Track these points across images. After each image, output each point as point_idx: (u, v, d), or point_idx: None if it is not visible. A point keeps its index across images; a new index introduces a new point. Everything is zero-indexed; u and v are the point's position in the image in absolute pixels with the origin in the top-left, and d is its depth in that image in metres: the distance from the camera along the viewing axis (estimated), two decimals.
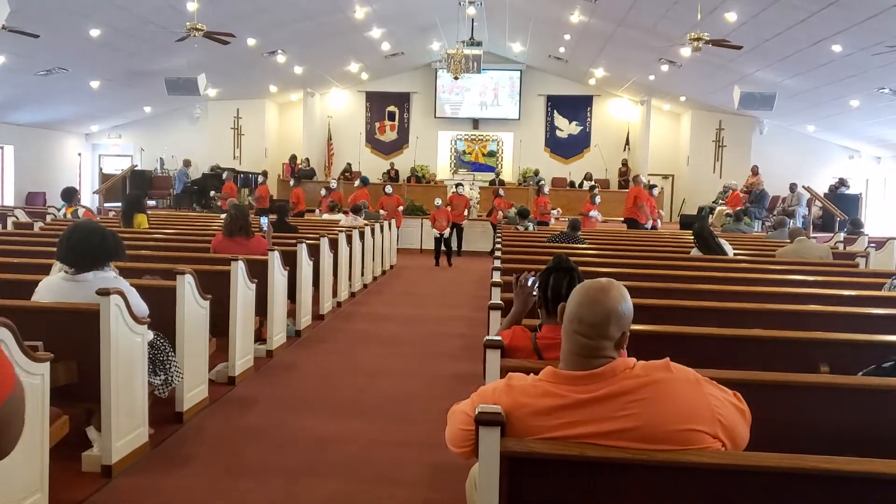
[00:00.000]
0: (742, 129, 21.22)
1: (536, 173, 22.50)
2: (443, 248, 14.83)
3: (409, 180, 21.89)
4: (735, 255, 8.28)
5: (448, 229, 14.84)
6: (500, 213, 15.41)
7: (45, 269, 5.10)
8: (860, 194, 19.84)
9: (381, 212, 15.10)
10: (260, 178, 20.17)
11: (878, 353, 3.41)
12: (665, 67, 17.25)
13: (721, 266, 7.20)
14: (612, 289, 2.19)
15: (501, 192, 16.91)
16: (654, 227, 14.77)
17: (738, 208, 16.14)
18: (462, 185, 17.08)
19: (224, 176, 18.35)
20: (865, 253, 9.12)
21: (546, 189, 16.85)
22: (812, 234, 13.03)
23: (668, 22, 13.80)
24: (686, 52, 13.41)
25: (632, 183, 16.13)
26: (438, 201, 15.00)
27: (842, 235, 12.94)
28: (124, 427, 4.12)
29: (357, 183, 17.29)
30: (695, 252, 8.25)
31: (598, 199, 15.63)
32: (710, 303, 4.91)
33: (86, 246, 4.17)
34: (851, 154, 21.12)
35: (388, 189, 16.58)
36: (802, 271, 7.03)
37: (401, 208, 16.10)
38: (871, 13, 10.43)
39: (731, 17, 12.41)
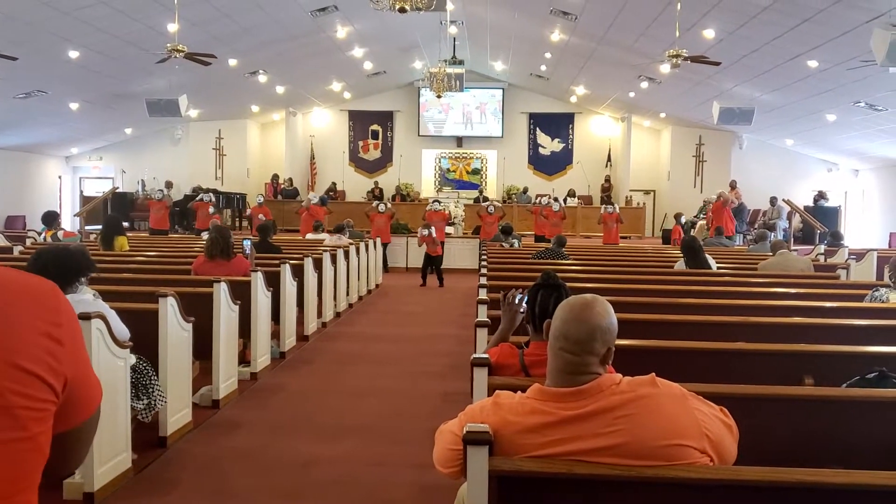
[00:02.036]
0: (722, 143, 21.43)
1: (525, 191, 22.60)
2: (431, 267, 14.45)
3: (394, 198, 21.92)
4: (718, 268, 8.33)
5: (440, 250, 14.55)
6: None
7: None
8: (839, 207, 20.05)
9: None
10: (158, 194, 17.57)
11: (862, 364, 3.43)
12: (645, 84, 17.42)
13: (704, 280, 7.24)
14: (597, 304, 2.19)
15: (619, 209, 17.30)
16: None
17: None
18: (437, 203, 16.96)
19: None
20: (846, 265, 9.21)
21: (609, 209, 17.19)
22: (793, 247, 13.14)
23: (648, 39, 13.95)
24: (665, 68, 13.54)
25: (716, 199, 16.40)
26: (425, 231, 14.27)
27: (822, 248, 13.05)
28: (107, 453, 4.07)
29: (315, 200, 17.24)
30: (679, 265, 8.29)
31: (491, 209, 16.70)
32: (694, 317, 4.93)
33: (56, 265, 4.09)
34: (830, 167, 21.37)
35: (382, 207, 16.52)
36: (785, 284, 7.07)
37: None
38: (845, 29, 10.60)
39: (709, 33, 12.57)
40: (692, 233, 16.94)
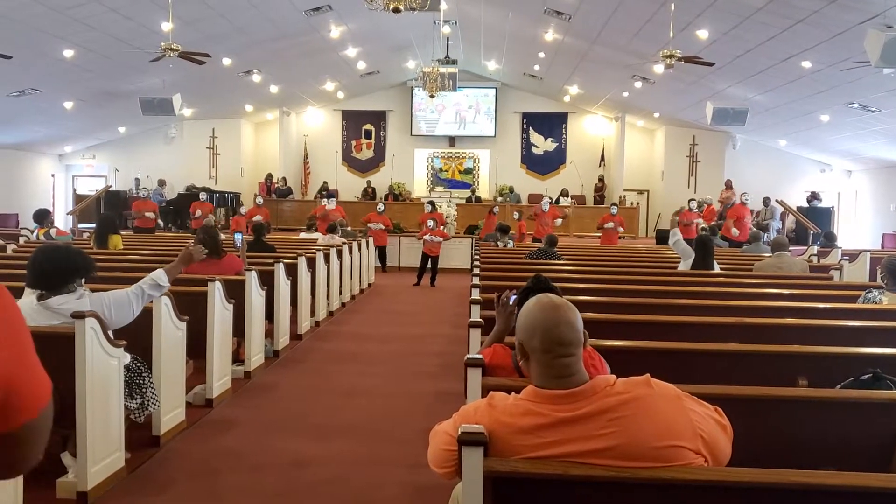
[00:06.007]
0: (715, 144, 21.47)
1: (511, 190, 22.66)
2: (428, 266, 14.29)
3: (387, 198, 21.91)
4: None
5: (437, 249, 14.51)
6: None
7: (19, 292, 5.01)
8: (832, 207, 20.12)
9: (372, 225, 15.49)
10: (144, 193, 17.88)
11: (856, 365, 3.44)
12: (638, 84, 17.44)
13: (699, 280, 7.26)
14: (562, 302, 2.23)
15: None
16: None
17: (713, 223, 16.33)
18: (433, 204, 16.62)
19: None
20: (839, 266, 9.24)
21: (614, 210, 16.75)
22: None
23: (641, 39, 13.96)
24: (659, 68, 13.56)
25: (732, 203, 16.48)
26: (431, 223, 14.35)
27: (815, 248, 13.09)
28: (100, 452, 4.05)
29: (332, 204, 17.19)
30: (683, 266, 8.30)
31: (496, 210, 16.91)
32: (689, 317, 4.93)
33: (52, 267, 4.06)
34: (823, 168, 21.44)
35: (381, 207, 16.60)
36: (779, 285, 7.09)
37: (377, 226, 15.86)
38: (838, 30, 10.63)
39: (703, 34, 12.59)
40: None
